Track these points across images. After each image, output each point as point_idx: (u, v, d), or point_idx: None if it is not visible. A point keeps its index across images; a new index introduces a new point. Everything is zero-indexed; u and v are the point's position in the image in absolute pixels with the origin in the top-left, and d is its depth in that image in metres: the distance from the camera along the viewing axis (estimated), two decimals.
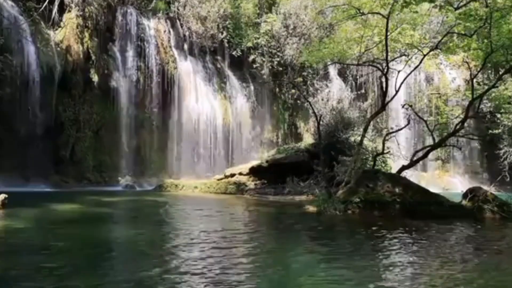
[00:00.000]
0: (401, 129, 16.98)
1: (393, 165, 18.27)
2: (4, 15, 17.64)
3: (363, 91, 28.82)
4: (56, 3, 19.53)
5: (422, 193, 12.11)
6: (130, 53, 22.10)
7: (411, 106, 17.10)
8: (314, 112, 17.12)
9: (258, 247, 7.41)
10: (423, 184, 16.79)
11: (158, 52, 22.75)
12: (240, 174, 19.49)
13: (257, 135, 26.60)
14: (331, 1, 17.84)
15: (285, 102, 27.84)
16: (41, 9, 18.93)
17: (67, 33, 19.76)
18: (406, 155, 16.53)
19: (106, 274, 5.43)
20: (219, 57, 26.08)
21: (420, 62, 15.19)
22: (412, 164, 14.32)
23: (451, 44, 14.84)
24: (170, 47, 23.68)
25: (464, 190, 12.87)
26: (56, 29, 19.74)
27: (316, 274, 5.61)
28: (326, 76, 28.43)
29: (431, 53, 14.75)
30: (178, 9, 24.32)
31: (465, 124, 14.79)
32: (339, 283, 5.25)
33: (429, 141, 18.67)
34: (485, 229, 10.50)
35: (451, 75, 27.14)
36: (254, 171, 19.24)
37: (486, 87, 16.08)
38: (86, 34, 20.48)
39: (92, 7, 20.58)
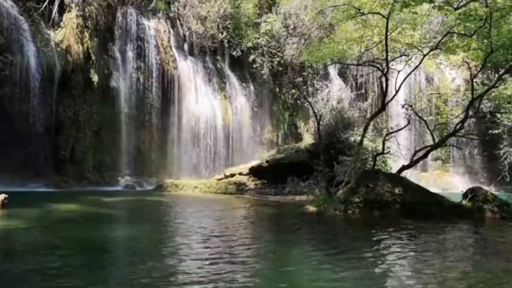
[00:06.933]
0: (401, 129, 16.99)
1: (393, 165, 18.25)
2: (4, 15, 17.64)
3: (363, 91, 28.79)
4: (56, 3, 19.52)
5: (422, 193, 12.13)
6: (130, 53, 22.08)
7: (411, 106, 17.12)
8: (314, 112, 17.10)
9: (258, 248, 7.42)
10: (423, 184, 16.77)
11: (158, 52, 22.73)
12: (240, 174, 19.50)
13: (257, 135, 26.58)
14: (331, 1, 17.78)
15: (285, 102, 27.82)
16: (41, 9, 18.94)
17: (67, 33, 19.75)
18: (406, 155, 16.53)
19: (106, 274, 5.43)
20: (219, 57, 26.05)
21: (420, 62, 15.19)
22: (412, 164, 14.33)
23: (451, 44, 14.81)
24: (170, 47, 23.66)
25: (464, 190, 12.87)
26: (56, 29, 19.73)
27: (316, 275, 5.61)
28: (326, 76, 28.41)
29: (431, 53, 14.75)
30: (178, 9, 24.30)
31: (465, 124, 14.79)
32: (339, 284, 5.25)
33: (429, 141, 18.65)
34: (485, 229, 10.50)
35: (451, 75, 27.12)
36: (254, 171, 19.25)
37: (486, 87, 16.07)
38: (86, 34, 20.47)
39: (92, 7, 20.57)
